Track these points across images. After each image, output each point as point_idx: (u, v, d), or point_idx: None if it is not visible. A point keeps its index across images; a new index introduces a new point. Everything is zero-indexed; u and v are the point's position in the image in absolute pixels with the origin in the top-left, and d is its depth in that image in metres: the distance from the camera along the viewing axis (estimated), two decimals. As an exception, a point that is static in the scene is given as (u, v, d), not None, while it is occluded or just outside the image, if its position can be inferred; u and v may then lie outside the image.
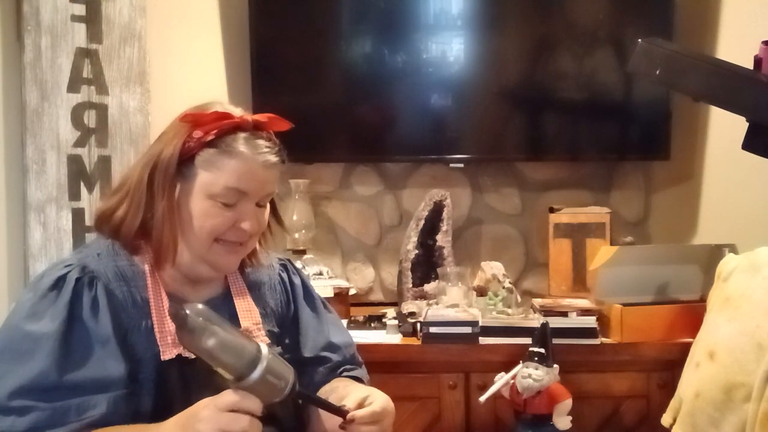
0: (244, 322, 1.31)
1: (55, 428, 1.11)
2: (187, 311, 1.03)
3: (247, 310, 1.34)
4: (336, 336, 1.44)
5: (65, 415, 1.11)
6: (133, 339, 1.20)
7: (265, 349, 1.06)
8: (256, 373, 1.03)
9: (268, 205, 1.32)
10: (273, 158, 1.25)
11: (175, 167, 1.23)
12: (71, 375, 1.14)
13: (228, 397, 1.04)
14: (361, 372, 1.46)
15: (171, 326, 1.21)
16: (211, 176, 1.22)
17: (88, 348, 1.16)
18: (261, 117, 1.28)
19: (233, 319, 1.31)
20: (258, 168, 1.24)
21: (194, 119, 1.24)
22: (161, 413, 1.16)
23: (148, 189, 1.23)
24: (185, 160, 1.23)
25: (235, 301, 1.33)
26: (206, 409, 1.05)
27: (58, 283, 1.19)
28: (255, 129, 1.26)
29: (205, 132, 1.22)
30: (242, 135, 1.24)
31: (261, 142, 1.25)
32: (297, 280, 1.45)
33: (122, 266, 1.24)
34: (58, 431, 1.11)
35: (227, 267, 1.29)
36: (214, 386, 1.20)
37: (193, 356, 1.21)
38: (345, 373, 1.41)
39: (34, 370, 1.12)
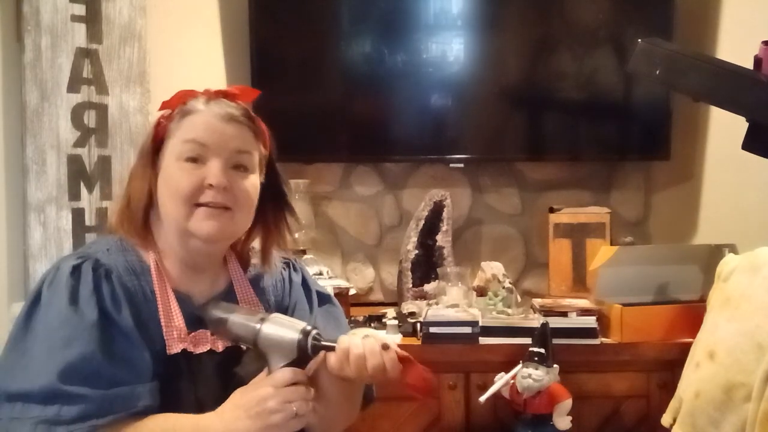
0: None
1: (102, 418, 1.10)
2: (210, 307, 1.24)
3: (250, 304, 1.34)
4: (327, 332, 1.42)
5: (113, 405, 1.12)
6: (146, 332, 1.20)
7: (270, 316, 1.20)
8: (260, 335, 1.18)
9: (256, 179, 1.30)
10: (232, 111, 1.25)
11: (149, 149, 1.26)
12: (113, 364, 1.14)
13: (280, 374, 1.15)
14: None
15: (177, 321, 1.23)
16: (174, 140, 1.25)
17: (120, 339, 1.17)
18: (227, 88, 1.30)
19: None
20: (215, 119, 1.24)
21: (164, 104, 1.28)
22: (168, 407, 1.17)
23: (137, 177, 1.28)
24: (161, 141, 1.27)
25: (238, 296, 1.34)
26: (265, 389, 1.14)
27: (75, 273, 1.19)
28: (220, 96, 1.28)
29: (172, 109, 1.27)
30: (202, 98, 1.27)
31: (222, 101, 1.27)
32: (297, 278, 1.45)
33: (132, 261, 1.25)
34: (105, 420, 1.10)
35: (208, 233, 1.24)
36: (221, 380, 1.23)
37: (198, 351, 1.23)
38: None
39: (77, 354, 1.12)
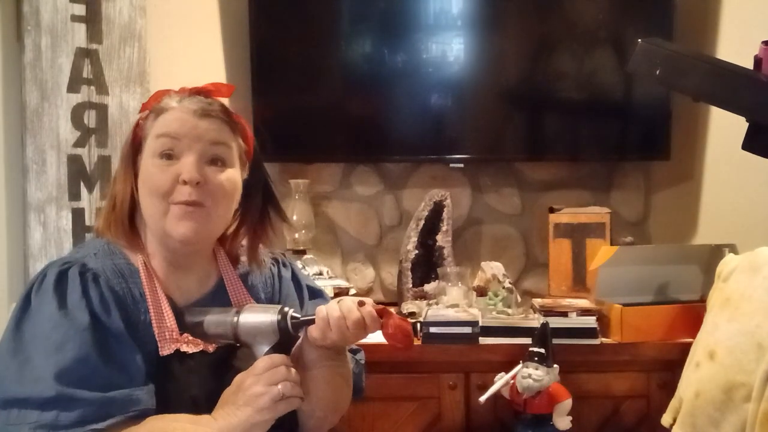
0: None
1: (100, 422, 1.10)
2: (185, 315, 1.25)
3: (241, 301, 1.34)
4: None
5: (110, 409, 1.11)
6: (137, 334, 1.20)
7: (244, 307, 1.24)
8: (239, 326, 1.21)
9: (235, 174, 1.29)
10: (206, 105, 1.26)
11: (129, 151, 1.27)
12: (108, 366, 1.14)
13: (258, 363, 1.18)
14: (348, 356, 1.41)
15: (169, 322, 1.23)
16: (149, 139, 1.25)
17: (112, 341, 1.16)
18: (202, 85, 1.31)
19: None
20: (188, 114, 1.24)
21: (143, 105, 1.29)
22: (163, 408, 1.17)
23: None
24: (139, 142, 1.27)
25: (229, 293, 1.34)
26: (246, 380, 1.17)
27: (62, 279, 1.19)
28: (194, 94, 1.29)
29: (149, 109, 1.28)
30: (175, 95, 1.28)
31: (196, 97, 1.27)
32: (287, 274, 1.45)
33: (119, 264, 1.25)
34: (103, 424, 1.10)
35: (183, 234, 1.23)
36: (216, 378, 1.23)
37: (190, 351, 1.23)
38: None
39: (72, 357, 1.11)
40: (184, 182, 1.21)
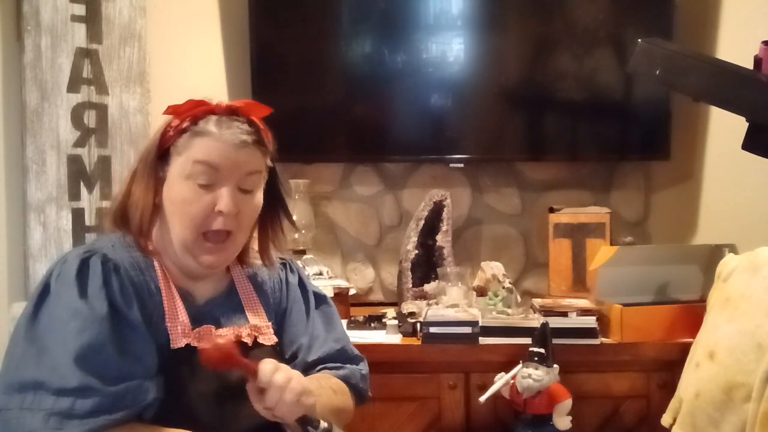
0: (253, 320, 1.35)
1: (114, 413, 1.11)
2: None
3: (255, 309, 1.36)
4: (319, 331, 1.44)
5: (124, 400, 1.12)
6: (151, 326, 1.22)
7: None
8: None
9: (260, 195, 1.32)
10: (244, 137, 1.26)
11: (154, 156, 1.27)
12: (123, 358, 1.15)
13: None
14: (349, 370, 1.43)
15: (182, 317, 1.25)
16: (184, 158, 1.25)
17: (129, 333, 1.18)
18: (236, 102, 1.30)
19: (239, 315, 1.34)
20: (227, 146, 1.24)
21: (173, 110, 1.28)
22: (170, 401, 1.19)
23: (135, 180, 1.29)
24: (167, 150, 1.27)
25: (242, 300, 1.36)
26: None
27: (83, 266, 1.20)
28: (231, 114, 1.28)
29: (181, 120, 1.26)
30: (214, 117, 1.27)
31: (234, 123, 1.27)
32: (293, 279, 1.47)
33: (136, 257, 1.27)
34: (117, 416, 1.11)
35: (208, 264, 1.28)
36: (220, 378, 1.24)
37: (201, 347, 1.23)
38: (325, 371, 1.40)
39: (89, 343, 1.13)
40: (220, 212, 1.24)
